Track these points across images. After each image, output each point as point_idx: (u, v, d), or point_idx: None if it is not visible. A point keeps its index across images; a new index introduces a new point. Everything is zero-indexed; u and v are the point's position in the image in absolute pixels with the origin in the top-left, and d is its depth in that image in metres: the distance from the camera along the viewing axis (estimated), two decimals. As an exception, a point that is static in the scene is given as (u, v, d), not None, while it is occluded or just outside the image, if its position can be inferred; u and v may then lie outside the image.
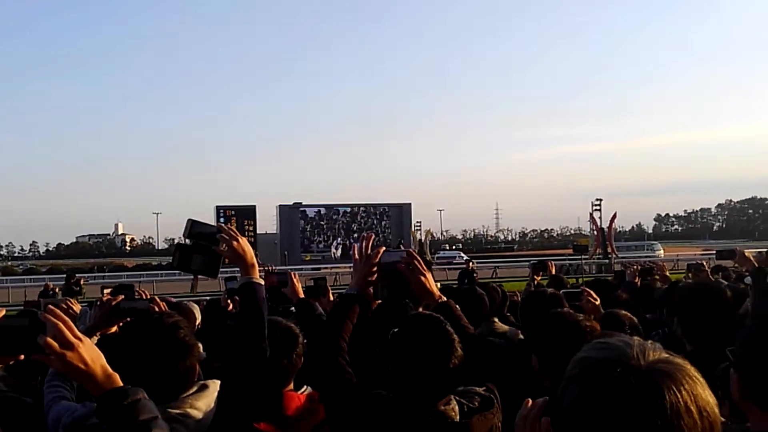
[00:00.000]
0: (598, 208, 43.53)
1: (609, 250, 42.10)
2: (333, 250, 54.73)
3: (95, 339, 2.98)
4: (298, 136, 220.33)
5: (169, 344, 2.27)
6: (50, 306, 1.91)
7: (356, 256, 2.73)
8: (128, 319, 3.02)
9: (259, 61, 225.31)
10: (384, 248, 2.75)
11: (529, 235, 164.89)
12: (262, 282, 2.71)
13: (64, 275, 22.12)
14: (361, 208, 59.29)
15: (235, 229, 2.76)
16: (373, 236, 2.84)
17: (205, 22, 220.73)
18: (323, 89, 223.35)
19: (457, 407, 2.26)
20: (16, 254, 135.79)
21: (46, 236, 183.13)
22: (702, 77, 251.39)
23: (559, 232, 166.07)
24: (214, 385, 2.41)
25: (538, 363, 2.73)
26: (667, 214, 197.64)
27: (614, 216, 43.88)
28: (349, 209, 58.93)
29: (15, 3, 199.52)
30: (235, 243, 2.66)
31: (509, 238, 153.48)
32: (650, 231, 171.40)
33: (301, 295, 3.58)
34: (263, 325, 2.58)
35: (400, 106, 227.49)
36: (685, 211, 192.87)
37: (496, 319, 4.89)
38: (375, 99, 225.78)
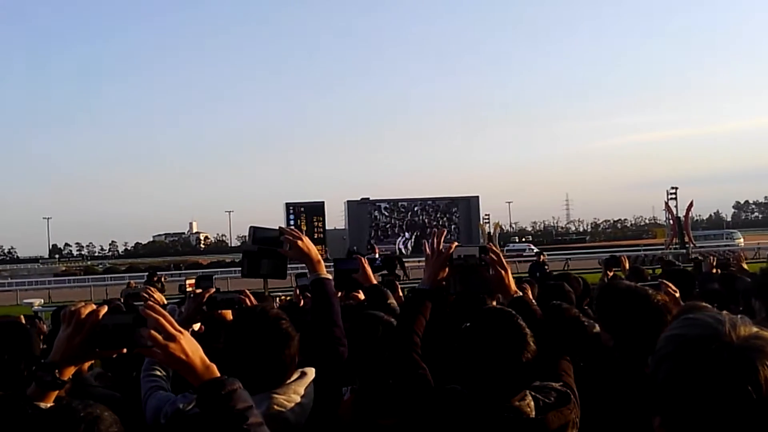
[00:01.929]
0: (673, 196, 42.32)
1: (686, 239, 40.86)
2: (400, 245, 54.75)
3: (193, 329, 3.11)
4: (366, 132, 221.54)
5: (274, 334, 2.35)
6: (150, 302, 1.99)
7: (428, 251, 2.74)
8: (220, 310, 3.15)
9: (332, 57, 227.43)
10: (456, 243, 2.75)
11: (601, 225, 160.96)
12: (330, 276, 2.80)
13: (145, 273, 22.83)
14: (429, 202, 59.20)
15: (296, 229, 2.83)
16: (445, 231, 2.83)
17: (281, 17, 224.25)
18: (392, 84, 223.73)
19: (532, 403, 2.22)
20: (96, 254, 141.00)
21: (125, 236, 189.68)
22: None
23: (633, 222, 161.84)
24: (311, 372, 2.49)
25: (612, 339, 2.70)
26: (747, 201, 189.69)
27: (691, 204, 42.58)
28: (416, 203, 58.93)
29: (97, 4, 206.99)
30: (299, 242, 2.74)
31: (581, 229, 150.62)
32: (729, 219, 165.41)
33: (373, 281, 3.60)
34: (337, 317, 2.68)
35: (467, 100, 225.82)
36: (766, 197, 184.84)
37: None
38: (443, 94, 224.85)
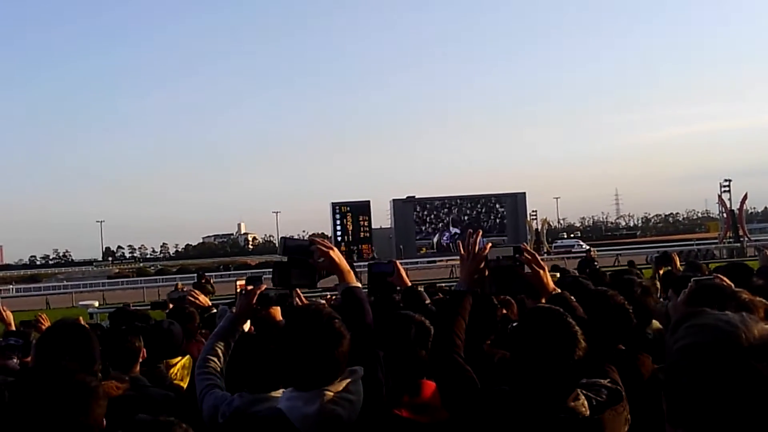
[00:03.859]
0: (727, 188, 41.34)
1: (741, 232, 39.83)
2: (444, 241, 54.51)
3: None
4: (411, 130, 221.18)
5: (328, 333, 2.38)
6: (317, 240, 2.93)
7: (462, 252, 2.74)
8: (272, 306, 3.21)
9: (376, 55, 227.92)
10: (491, 244, 2.75)
11: (652, 220, 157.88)
12: (360, 284, 2.90)
13: (194, 274, 23.26)
14: (475, 199, 58.86)
15: (327, 241, 2.97)
16: (481, 232, 2.83)
17: (318, 16, 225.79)
18: (436, 81, 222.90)
19: (586, 402, 2.20)
20: (148, 256, 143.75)
21: (176, 238, 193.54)
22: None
23: (685, 216, 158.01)
24: (360, 370, 2.53)
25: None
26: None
27: (745, 197, 41.56)
28: (462, 201, 58.64)
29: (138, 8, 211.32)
30: (330, 253, 2.86)
31: (631, 224, 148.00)
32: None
33: (408, 283, 3.61)
34: (371, 321, 2.81)
35: (512, 96, 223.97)
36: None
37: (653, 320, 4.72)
38: (487, 90, 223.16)
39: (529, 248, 2.83)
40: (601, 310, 2.90)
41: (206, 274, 23.82)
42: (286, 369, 2.43)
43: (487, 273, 2.72)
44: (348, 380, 2.45)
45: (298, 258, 2.91)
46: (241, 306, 3.15)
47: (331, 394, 2.38)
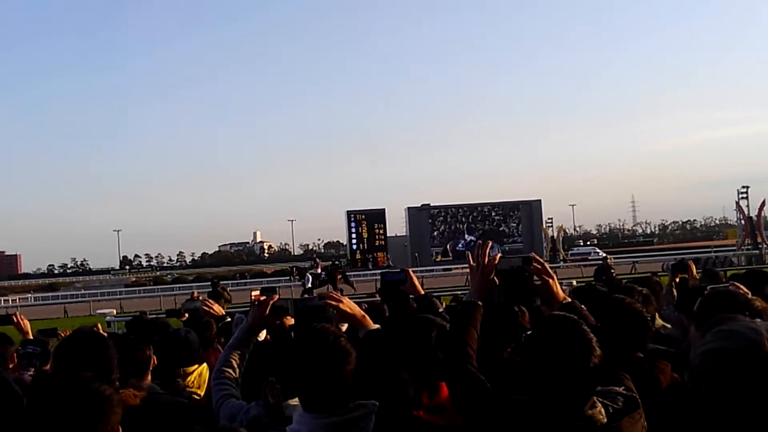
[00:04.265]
0: (744, 195, 41.05)
1: (759, 239, 39.47)
2: (459, 248, 54.36)
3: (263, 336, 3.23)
4: (426, 137, 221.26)
5: (335, 352, 2.39)
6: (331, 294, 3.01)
7: (472, 263, 2.75)
8: (284, 316, 3.24)
9: (391, 63, 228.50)
10: (500, 255, 2.76)
11: (669, 227, 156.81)
12: (378, 326, 2.96)
13: (209, 282, 23.34)
14: (490, 207, 58.72)
15: (336, 294, 3.10)
16: (490, 243, 2.83)
17: (342, 23, 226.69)
18: (451, 89, 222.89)
19: (603, 410, 2.19)
20: (164, 264, 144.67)
21: (192, 246, 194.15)
22: None
23: (702, 222, 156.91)
24: (372, 405, 2.51)
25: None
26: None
27: (763, 203, 41.15)
28: (477, 208, 58.53)
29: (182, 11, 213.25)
30: (341, 306, 2.96)
31: (648, 231, 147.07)
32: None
33: (421, 292, 3.61)
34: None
35: (528, 102, 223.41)
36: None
37: (657, 315, 4.70)
38: (503, 96, 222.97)
39: (538, 257, 2.83)
40: (618, 318, 2.90)
41: (222, 282, 23.95)
42: (296, 390, 2.44)
43: (497, 283, 2.72)
44: (358, 414, 2.43)
45: (311, 318, 2.99)
46: (255, 317, 3.19)
47: (338, 420, 2.37)
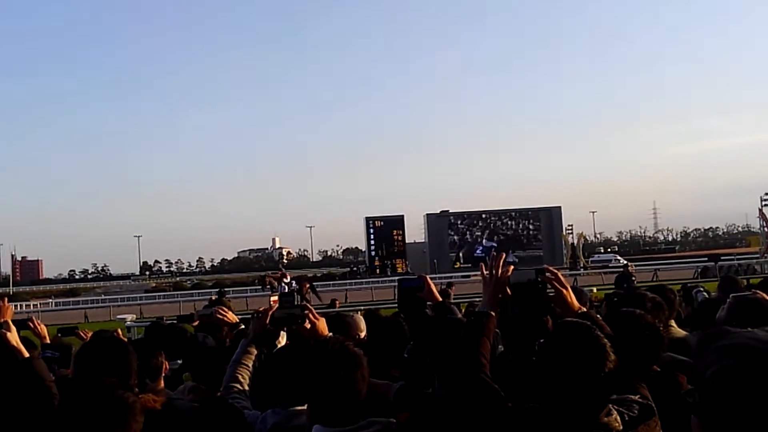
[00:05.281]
0: (767, 203, 40.49)
1: (782, 247, 38.97)
2: (477, 254, 54.15)
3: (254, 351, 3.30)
4: (445, 144, 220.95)
5: (346, 358, 2.38)
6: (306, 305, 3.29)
7: (485, 274, 2.75)
8: (284, 327, 3.35)
9: (412, 71, 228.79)
10: (513, 267, 2.76)
11: (691, 234, 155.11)
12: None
13: (230, 288, 23.46)
14: (510, 214, 58.53)
15: (315, 314, 3.34)
16: (504, 255, 2.83)
17: (364, 28, 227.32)
18: (469, 95, 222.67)
19: (618, 417, 2.18)
20: (184, 270, 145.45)
21: (211, 252, 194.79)
22: None
23: (725, 230, 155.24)
24: (383, 421, 2.48)
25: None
26: None
27: (787, 210, 40.64)
28: (497, 215, 58.37)
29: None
30: (318, 324, 3.25)
31: (670, 239, 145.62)
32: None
33: (439, 299, 3.62)
34: None
35: (546, 109, 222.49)
36: None
37: (674, 323, 4.65)
38: (522, 103, 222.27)
39: (551, 268, 2.83)
40: (630, 331, 2.88)
41: (240, 288, 24.04)
42: (309, 403, 2.45)
43: (509, 294, 2.72)
44: (370, 431, 2.40)
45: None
46: (254, 330, 3.30)
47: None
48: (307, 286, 29.20)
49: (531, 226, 57.45)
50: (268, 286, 29.80)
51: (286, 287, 28.43)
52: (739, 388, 1.10)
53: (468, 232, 57.16)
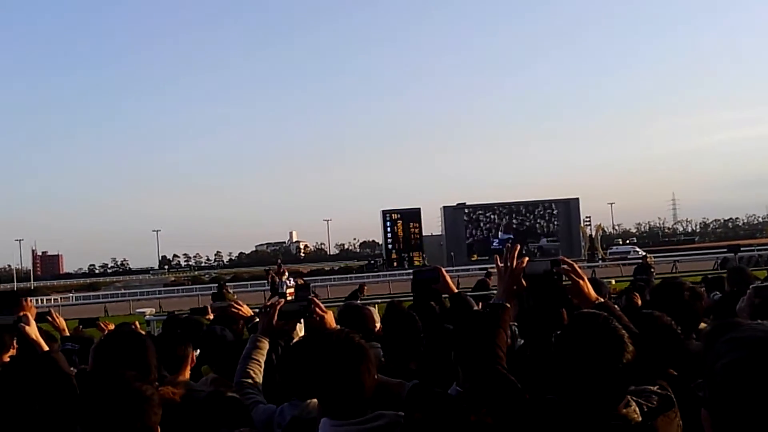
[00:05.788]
0: (788, 193, 40.07)
1: (804, 238, 38.54)
2: (494, 246, 53.98)
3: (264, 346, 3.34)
4: (462, 135, 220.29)
5: (352, 349, 2.34)
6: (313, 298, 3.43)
7: (500, 266, 2.74)
8: (293, 319, 3.43)
9: (428, 64, 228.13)
10: (528, 258, 2.74)
11: (711, 225, 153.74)
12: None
13: (248, 282, 23.51)
14: (527, 206, 58.29)
15: (322, 307, 3.42)
16: (518, 247, 2.81)
17: (375, 25, 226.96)
18: (489, 89, 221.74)
19: (637, 408, 2.16)
20: (203, 264, 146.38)
21: (229, 246, 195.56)
22: None
23: (745, 221, 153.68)
24: (389, 414, 2.42)
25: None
26: None
27: (809, 200, 40.14)
28: (514, 207, 58.14)
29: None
30: (326, 317, 3.32)
31: (689, 230, 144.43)
32: None
33: (455, 290, 3.62)
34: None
35: (563, 100, 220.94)
36: None
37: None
38: (540, 94, 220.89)
39: (567, 259, 2.81)
40: (647, 332, 2.84)
41: (257, 282, 24.11)
42: (317, 396, 2.41)
43: (525, 286, 2.71)
44: (377, 424, 2.34)
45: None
46: (263, 325, 3.34)
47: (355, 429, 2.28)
48: (301, 281, 29.11)
49: (548, 218, 57.22)
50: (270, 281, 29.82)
51: (286, 283, 28.36)
52: (749, 381, 1.09)
53: (485, 225, 56.99)
